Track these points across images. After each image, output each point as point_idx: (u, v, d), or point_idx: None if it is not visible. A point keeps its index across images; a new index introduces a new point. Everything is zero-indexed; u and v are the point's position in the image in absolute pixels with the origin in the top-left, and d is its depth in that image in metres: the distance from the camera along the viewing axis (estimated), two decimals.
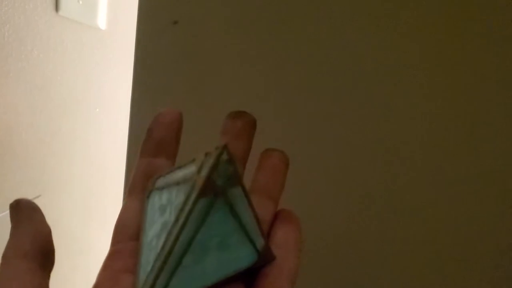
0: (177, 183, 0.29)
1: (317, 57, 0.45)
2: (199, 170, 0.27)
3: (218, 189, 0.27)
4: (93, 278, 1.51)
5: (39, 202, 1.40)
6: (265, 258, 0.29)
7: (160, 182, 0.30)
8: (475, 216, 0.44)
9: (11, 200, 1.30)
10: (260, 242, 0.29)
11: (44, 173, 1.43)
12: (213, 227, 0.27)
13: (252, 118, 0.33)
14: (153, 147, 0.32)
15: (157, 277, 0.26)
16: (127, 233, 0.30)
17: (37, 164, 1.43)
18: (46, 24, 1.24)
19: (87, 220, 1.43)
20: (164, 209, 0.28)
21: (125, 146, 1.23)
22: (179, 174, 0.29)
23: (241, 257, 0.28)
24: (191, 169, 0.28)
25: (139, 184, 0.31)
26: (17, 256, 0.27)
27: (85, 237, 1.47)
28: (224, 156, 0.27)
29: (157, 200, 0.29)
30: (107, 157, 1.31)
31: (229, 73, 0.46)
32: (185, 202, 0.26)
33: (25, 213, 0.29)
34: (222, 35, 0.47)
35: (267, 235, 0.31)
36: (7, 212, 1.36)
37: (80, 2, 1.15)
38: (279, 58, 0.46)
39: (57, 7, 1.19)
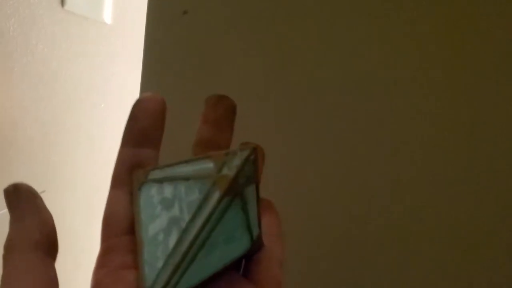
0: (186, 178, 0.28)
1: (328, 49, 0.44)
2: (219, 169, 0.27)
3: (239, 189, 0.27)
4: None
5: (43, 198, 1.40)
6: (257, 246, 0.30)
7: (156, 174, 0.29)
8: (477, 217, 0.44)
9: None
10: (255, 230, 0.29)
11: (48, 169, 1.43)
12: (226, 224, 0.27)
13: (233, 104, 0.32)
14: (137, 136, 0.30)
15: (172, 274, 0.26)
16: (119, 227, 0.29)
17: (42, 159, 1.43)
18: (51, 19, 1.23)
19: (90, 217, 1.42)
20: (170, 204, 0.28)
21: None
22: (188, 169, 0.28)
23: (240, 245, 0.28)
24: (206, 165, 0.28)
25: (124, 176, 0.30)
26: (26, 247, 0.26)
27: (88, 235, 1.46)
28: (252, 158, 0.27)
29: (155, 193, 0.29)
30: (111, 153, 1.31)
31: (239, 65, 0.46)
32: (204, 201, 0.26)
33: (27, 200, 0.27)
34: (232, 26, 0.46)
35: None
36: None
37: None
38: (289, 49, 0.45)
39: (62, 1, 1.19)
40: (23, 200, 0.27)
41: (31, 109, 1.38)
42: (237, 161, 0.27)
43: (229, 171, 0.26)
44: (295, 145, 0.46)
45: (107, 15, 1.15)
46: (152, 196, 0.28)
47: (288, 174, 0.47)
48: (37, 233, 0.26)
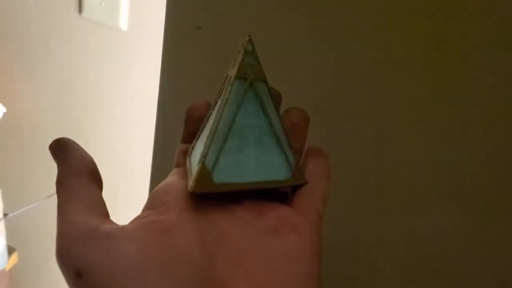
0: (214, 106, 0.33)
1: (340, 62, 0.46)
2: (232, 67, 0.32)
3: (248, 75, 0.31)
4: None
5: None
6: (297, 177, 0.33)
7: (196, 137, 0.35)
8: (481, 219, 0.45)
9: (37, 194, 1.34)
10: (291, 157, 0.33)
11: None
12: (248, 115, 0.31)
13: (278, 94, 0.37)
14: (189, 136, 0.37)
15: (207, 150, 0.30)
16: (169, 196, 0.31)
17: None
18: (69, 26, 1.27)
19: (111, 218, 1.46)
20: (205, 132, 0.33)
21: (146, 145, 1.26)
22: (214, 105, 0.34)
23: (276, 167, 0.32)
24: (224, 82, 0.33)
25: (182, 164, 0.36)
26: (72, 177, 0.30)
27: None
28: (249, 47, 0.32)
29: (197, 143, 0.34)
30: (128, 155, 1.34)
31: None
32: (223, 95, 0.31)
33: (68, 145, 0.32)
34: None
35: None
36: (36, 204, 1.40)
37: (103, 4, 1.18)
38: (301, 63, 0.47)
39: (80, 9, 1.23)
40: (64, 146, 0.32)
41: (50, 113, 1.42)
42: (240, 53, 0.32)
43: (236, 63, 0.32)
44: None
45: (123, 22, 1.18)
46: (195, 147, 0.33)
47: None
48: (79, 164, 0.31)
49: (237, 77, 0.31)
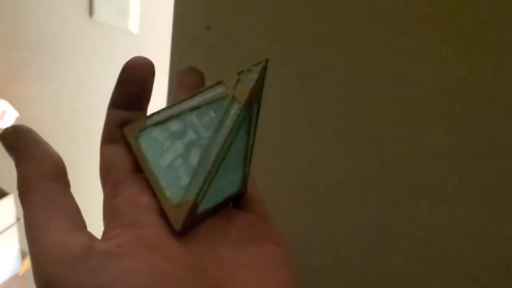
0: (197, 107, 0.30)
1: (352, 59, 0.46)
2: (234, 86, 0.29)
3: (256, 101, 0.29)
4: None
5: None
6: (245, 187, 0.31)
7: (154, 119, 0.30)
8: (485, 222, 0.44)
9: None
10: (247, 169, 0.31)
11: (78, 175, 1.47)
12: (238, 141, 0.29)
13: (201, 73, 0.36)
14: (126, 101, 0.30)
15: (204, 183, 0.27)
16: (122, 168, 0.28)
17: (72, 165, 1.47)
18: (81, 29, 1.28)
19: None
20: (182, 133, 0.29)
21: None
22: (196, 100, 0.30)
23: (235, 182, 0.31)
24: (217, 90, 0.29)
25: (115, 132, 0.30)
26: (45, 181, 0.25)
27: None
28: (258, 68, 0.29)
29: (158, 133, 0.30)
30: None
31: (265, 79, 0.48)
32: (224, 116, 0.28)
33: (31, 138, 0.27)
34: (256, 41, 0.49)
35: None
36: None
37: (113, 7, 1.18)
38: (312, 63, 0.47)
39: (91, 12, 1.23)
40: (26, 139, 0.26)
41: (61, 117, 1.43)
42: (253, 75, 0.28)
43: (247, 84, 0.28)
44: (318, 151, 0.48)
45: (133, 25, 1.18)
46: (155, 138, 0.30)
47: (286, 173, 0.49)
48: (52, 165, 0.26)
49: (246, 104, 0.28)
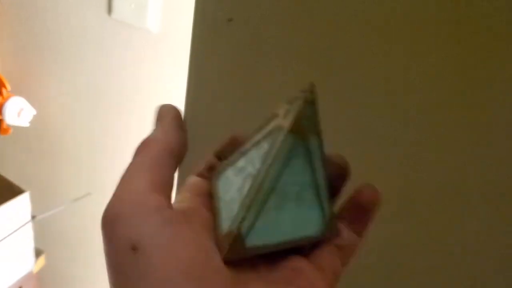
0: (257, 143, 0.30)
1: (376, 53, 0.44)
2: (285, 115, 0.29)
3: (304, 128, 0.29)
4: None
5: (88, 201, 1.44)
6: (329, 231, 0.30)
7: (229, 161, 0.32)
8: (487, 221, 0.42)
9: (64, 197, 1.34)
10: (327, 209, 0.30)
11: (94, 173, 1.47)
12: (294, 172, 0.29)
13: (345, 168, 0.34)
14: (225, 154, 0.34)
15: (245, 215, 0.28)
16: (195, 189, 0.32)
17: (88, 163, 1.47)
18: (99, 27, 1.27)
19: None
20: (243, 168, 0.30)
21: None
22: (256, 138, 0.31)
23: (311, 222, 0.30)
24: (273, 123, 0.30)
25: (207, 174, 0.35)
26: (160, 148, 0.30)
27: None
28: (311, 96, 0.29)
29: (230, 172, 0.32)
30: None
31: (287, 72, 0.46)
32: (272, 145, 0.29)
33: (171, 114, 0.32)
34: (279, 32, 0.47)
35: None
36: (63, 206, 1.40)
37: (132, 5, 1.18)
38: (335, 56, 0.45)
39: (110, 10, 1.23)
40: (167, 114, 0.32)
41: (79, 115, 1.43)
42: (298, 102, 0.29)
43: (293, 111, 0.29)
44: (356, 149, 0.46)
45: (152, 24, 1.18)
46: (227, 177, 0.31)
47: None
48: (172, 140, 0.30)
49: (291, 131, 0.28)
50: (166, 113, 0.32)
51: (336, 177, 0.32)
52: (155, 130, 0.31)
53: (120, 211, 0.26)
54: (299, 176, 0.29)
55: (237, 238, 0.28)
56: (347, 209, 0.33)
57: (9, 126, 1.37)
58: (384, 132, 0.45)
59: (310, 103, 0.29)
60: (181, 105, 1.18)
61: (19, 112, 1.31)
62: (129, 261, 0.24)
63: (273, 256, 0.29)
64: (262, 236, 0.28)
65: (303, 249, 0.31)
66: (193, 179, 0.34)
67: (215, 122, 0.52)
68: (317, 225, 0.30)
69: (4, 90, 1.30)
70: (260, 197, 0.28)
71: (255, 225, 0.28)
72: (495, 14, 0.39)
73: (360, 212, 0.32)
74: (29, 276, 1.44)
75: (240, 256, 0.28)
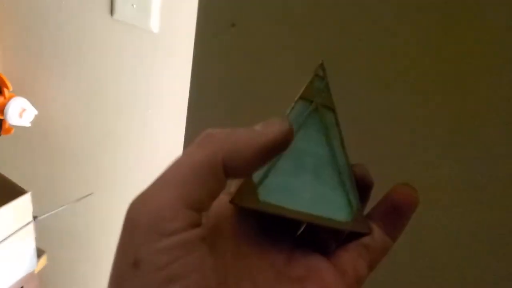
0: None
1: (376, 54, 0.44)
2: (315, 96, 0.30)
3: (314, 97, 0.29)
4: None
5: (90, 201, 1.44)
6: (359, 224, 0.29)
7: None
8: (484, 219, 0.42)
9: (66, 197, 1.34)
10: (354, 200, 0.29)
11: (97, 172, 1.47)
12: (309, 140, 0.29)
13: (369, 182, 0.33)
14: None
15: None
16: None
17: (91, 163, 1.47)
18: (101, 28, 1.27)
19: None
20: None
21: (177, 147, 1.25)
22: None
23: (335, 205, 0.28)
24: (300, 109, 0.30)
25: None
26: (222, 158, 0.25)
27: None
28: (320, 71, 0.30)
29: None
30: (157, 157, 1.34)
31: (287, 76, 0.46)
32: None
33: (275, 128, 0.27)
34: (280, 37, 0.47)
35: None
36: (65, 207, 1.40)
37: (134, 6, 1.18)
38: (338, 60, 0.45)
39: (112, 11, 1.23)
40: (274, 125, 0.27)
41: (81, 116, 1.43)
42: (322, 80, 0.30)
43: (324, 89, 0.30)
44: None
45: (154, 24, 1.18)
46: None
47: None
48: (245, 156, 0.26)
49: (302, 97, 0.29)
50: (275, 123, 0.27)
51: (359, 187, 0.31)
52: (246, 129, 0.27)
53: (139, 218, 0.24)
54: (314, 147, 0.29)
55: (248, 182, 0.27)
56: (380, 209, 0.31)
57: (11, 127, 1.37)
58: (385, 132, 0.45)
59: (320, 77, 0.30)
60: (183, 105, 1.18)
61: (21, 112, 1.31)
62: (126, 275, 0.24)
63: (295, 251, 0.29)
64: (277, 195, 0.27)
65: (327, 248, 0.30)
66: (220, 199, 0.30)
67: (218, 124, 0.52)
68: (342, 210, 0.28)
69: (6, 91, 1.30)
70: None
71: (268, 178, 0.28)
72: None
73: (395, 213, 0.30)
74: (30, 276, 1.44)
75: (251, 205, 0.27)
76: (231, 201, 0.27)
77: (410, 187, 0.31)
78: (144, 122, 1.31)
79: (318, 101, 0.29)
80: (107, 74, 1.32)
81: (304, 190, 0.28)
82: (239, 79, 0.48)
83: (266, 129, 0.26)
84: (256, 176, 0.28)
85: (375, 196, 0.32)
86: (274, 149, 0.26)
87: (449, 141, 0.44)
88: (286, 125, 0.26)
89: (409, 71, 0.43)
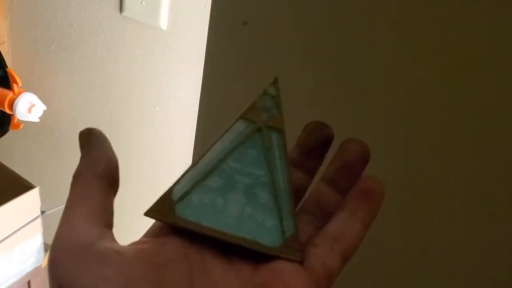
0: (226, 155, 0.29)
1: (390, 57, 0.44)
2: (260, 116, 0.29)
3: (259, 118, 0.28)
4: None
5: None
6: (289, 250, 0.27)
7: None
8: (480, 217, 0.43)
9: None
10: (289, 225, 0.28)
11: None
12: (245, 161, 0.28)
13: (328, 134, 0.32)
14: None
15: (181, 179, 0.27)
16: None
17: None
18: (110, 24, 1.28)
19: (144, 218, 1.46)
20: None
21: (184, 143, 1.26)
22: (218, 151, 0.29)
23: (262, 230, 0.27)
24: (240, 129, 0.29)
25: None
26: (90, 176, 0.29)
27: (141, 232, 1.50)
28: (272, 89, 0.29)
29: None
30: (164, 154, 1.34)
31: (299, 74, 0.46)
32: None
33: (98, 140, 0.31)
34: (293, 36, 0.47)
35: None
36: None
37: (143, 3, 1.18)
38: (350, 59, 0.45)
39: (121, 8, 1.23)
40: (93, 139, 0.30)
41: (89, 111, 1.44)
42: (273, 99, 0.29)
43: (273, 111, 0.29)
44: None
45: (163, 21, 1.18)
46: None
47: None
48: (102, 165, 0.29)
49: (242, 117, 0.28)
50: (87, 138, 0.31)
51: (349, 167, 0.31)
52: (81, 159, 0.30)
53: (54, 254, 0.25)
54: (250, 167, 0.28)
55: (166, 197, 0.27)
56: (333, 171, 0.31)
57: (20, 122, 1.38)
58: (385, 132, 0.45)
59: (270, 96, 0.29)
60: (191, 102, 1.18)
61: (30, 108, 1.32)
62: None
63: (261, 259, 0.28)
64: (196, 211, 0.27)
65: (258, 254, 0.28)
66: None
67: (228, 122, 0.53)
68: (271, 234, 0.27)
69: (15, 86, 1.31)
70: (198, 168, 0.28)
71: (190, 195, 0.27)
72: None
73: (348, 172, 0.30)
74: (37, 270, 1.45)
75: (164, 220, 0.27)
76: (145, 213, 0.28)
77: (359, 141, 0.31)
78: (152, 119, 1.31)
79: (263, 120, 0.28)
80: (116, 71, 1.33)
81: (230, 210, 0.27)
82: (251, 76, 0.49)
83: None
84: (179, 190, 0.28)
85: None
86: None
87: (449, 141, 0.44)
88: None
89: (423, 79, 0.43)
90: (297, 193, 0.31)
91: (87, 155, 0.30)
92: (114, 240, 0.27)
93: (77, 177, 0.29)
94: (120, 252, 0.25)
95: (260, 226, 0.27)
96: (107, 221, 0.28)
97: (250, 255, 0.27)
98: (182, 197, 0.28)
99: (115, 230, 0.29)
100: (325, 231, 0.29)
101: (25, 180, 1.35)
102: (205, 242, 0.27)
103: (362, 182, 0.30)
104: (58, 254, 0.25)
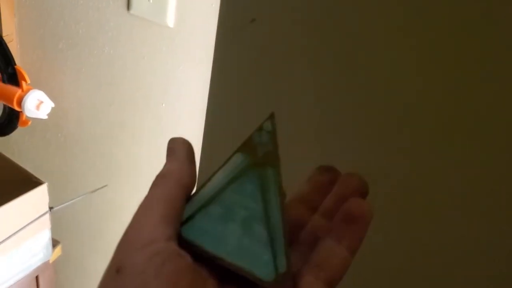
0: (226, 185, 0.30)
1: (397, 59, 0.44)
2: (256, 152, 0.30)
3: (256, 154, 0.29)
4: None
5: (104, 192, 1.46)
6: (280, 285, 0.28)
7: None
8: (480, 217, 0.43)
9: (79, 189, 1.37)
10: (281, 261, 0.28)
11: (111, 165, 1.49)
12: (243, 193, 0.29)
13: (336, 176, 0.34)
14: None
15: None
16: None
17: (105, 155, 1.49)
18: (117, 22, 1.29)
19: None
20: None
21: (190, 141, 1.26)
22: (219, 181, 0.31)
23: (257, 262, 0.28)
24: (238, 161, 0.30)
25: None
26: (174, 181, 0.31)
27: None
28: (268, 125, 0.29)
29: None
30: None
31: (308, 72, 0.47)
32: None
33: (188, 150, 0.33)
34: (300, 33, 0.48)
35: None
36: (80, 198, 1.42)
37: (151, 1, 1.19)
38: (357, 57, 0.46)
39: (128, 5, 1.24)
40: (183, 148, 0.33)
41: (96, 109, 1.45)
42: (268, 135, 0.30)
43: (268, 147, 0.29)
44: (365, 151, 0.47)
45: (170, 19, 1.19)
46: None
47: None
48: (187, 175, 0.31)
49: (239, 151, 0.29)
50: (178, 146, 0.33)
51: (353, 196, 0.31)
52: (169, 163, 0.32)
53: (127, 239, 0.28)
54: (247, 200, 0.28)
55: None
56: (331, 205, 0.33)
57: (28, 119, 1.39)
58: (386, 132, 0.46)
59: (266, 131, 0.29)
60: (197, 100, 1.19)
61: (38, 105, 1.33)
62: (110, 280, 0.27)
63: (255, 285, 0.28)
64: (199, 234, 0.28)
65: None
66: None
67: (237, 120, 0.53)
68: (265, 268, 0.28)
69: (23, 83, 1.32)
70: (204, 194, 0.29)
71: (194, 219, 0.29)
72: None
73: (348, 224, 0.30)
74: (45, 266, 1.47)
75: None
76: None
77: (359, 178, 0.32)
78: (158, 116, 1.32)
79: (259, 156, 0.29)
80: (123, 68, 1.34)
81: (229, 239, 0.28)
82: (260, 73, 0.49)
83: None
84: (185, 212, 0.29)
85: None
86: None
87: (448, 142, 0.45)
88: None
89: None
90: (297, 228, 0.32)
91: (175, 161, 0.32)
92: (177, 245, 0.28)
93: (162, 178, 0.31)
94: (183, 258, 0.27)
95: (256, 258, 0.28)
96: (176, 227, 0.29)
97: (246, 280, 0.28)
98: (187, 219, 0.29)
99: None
100: (311, 260, 0.29)
101: (34, 176, 1.37)
102: (204, 262, 0.29)
103: (348, 205, 0.30)
104: (129, 241, 0.28)
